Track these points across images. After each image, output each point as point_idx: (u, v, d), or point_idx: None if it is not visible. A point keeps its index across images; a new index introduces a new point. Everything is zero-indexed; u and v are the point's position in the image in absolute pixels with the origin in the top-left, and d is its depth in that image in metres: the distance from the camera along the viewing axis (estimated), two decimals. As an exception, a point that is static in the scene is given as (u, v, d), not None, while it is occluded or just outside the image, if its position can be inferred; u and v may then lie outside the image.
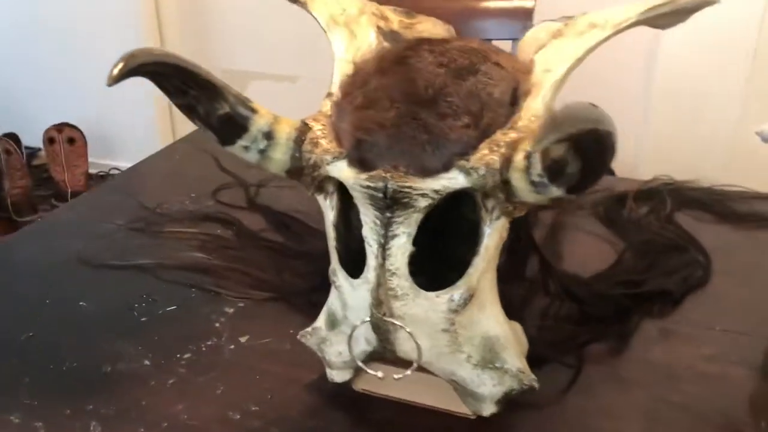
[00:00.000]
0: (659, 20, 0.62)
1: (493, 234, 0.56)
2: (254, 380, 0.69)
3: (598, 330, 0.75)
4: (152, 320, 0.77)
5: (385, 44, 0.67)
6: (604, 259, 0.89)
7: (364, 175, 0.54)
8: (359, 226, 0.59)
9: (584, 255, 0.91)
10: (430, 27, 0.71)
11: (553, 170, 0.47)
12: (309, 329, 0.66)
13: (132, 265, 0.87)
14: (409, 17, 0.72)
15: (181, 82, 0.52)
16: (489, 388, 0.60)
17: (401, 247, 0.54)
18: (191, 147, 1.24)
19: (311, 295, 0.80)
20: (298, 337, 0.67)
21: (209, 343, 0.74)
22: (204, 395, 0.67)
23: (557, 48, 0.61)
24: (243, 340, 0.74)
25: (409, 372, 0.57)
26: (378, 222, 0.54)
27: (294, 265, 0.87)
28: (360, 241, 0.59)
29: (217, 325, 0.77)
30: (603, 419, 0.64)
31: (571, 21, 0.64)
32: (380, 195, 0.53)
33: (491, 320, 0.59)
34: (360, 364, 0.58)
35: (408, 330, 0.55)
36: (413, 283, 0.55)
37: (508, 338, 0.59)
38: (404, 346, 0.57)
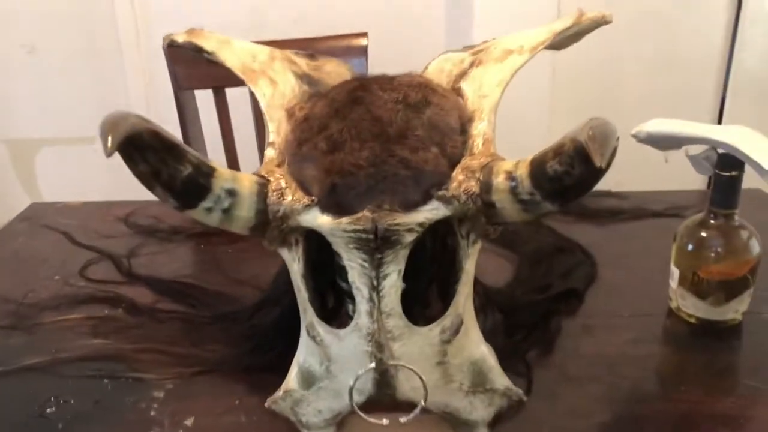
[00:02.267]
0: (564, 42, 0.68)
1: (471, 258, 0.57)
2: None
3: (532, 337, 0.78)
4: (73, 422, 0.68)
5: (305, 87, 0.66)
6: (504, 271, 0.93)
7: (346, 219, 0.52)
8: (330, 272, 0.58)
9: (484, 272, 0.95)
10: (335, 67, 0.71)
11: (549, 187, 0.49)
12: (279, 394, 0.62)
13: (21, 368, 0.75)
14: (313, 59, 0.71)
15: (147, 145, 0.47)
16: (480, 413, 0.60)
17: (393, 286, 0.53)
18: (31, 225, 1.11)
19: (244, 360, 0.75)
20: (267, 404, 0.62)
21: (153, 433, 0.66)
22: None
23: (482, 75, 0.64)
24: (189, 423, 0.67)
25: (417, 411, 0.55)
26: (367, 264, 0.53)
27: (209, 332, 0.81)
28: (325, 289, 0.58)
29: (153, 413, 0.69)
30: (574, 418, 0.67)
31: (482, 50, 0.68)
32: (370, 236, 0.52)
33: (474, 344, 0.60)
34: (362, 414, 0.55)
35: (412, 368, 0.54)
36: (407, 321, 0.55)
37: (491, 358, 0.61)
38: (404, 388, 0.56)
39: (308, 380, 0.60)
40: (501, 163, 0.54)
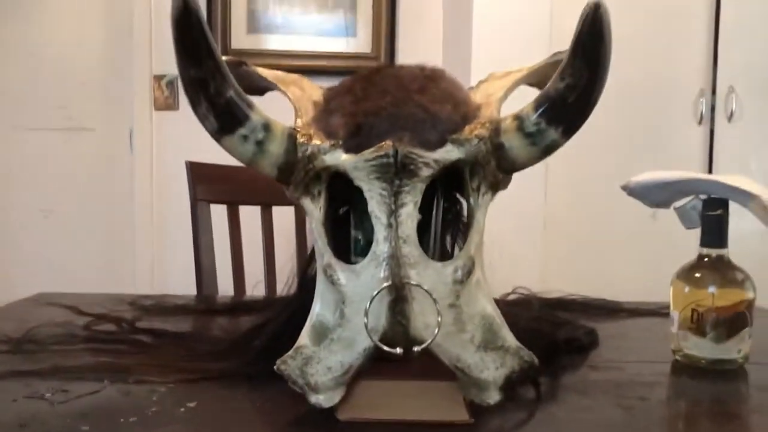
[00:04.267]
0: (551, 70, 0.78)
1: (482, 208, 0.61)
2: (228, 420, 0.61)
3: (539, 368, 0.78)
4: (72, 404, 0.65)
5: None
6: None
7: (369, 150, 0.58)
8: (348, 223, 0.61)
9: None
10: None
11: (553, 109, 0.55)
12: (290, 352, 0.61)
13: (21, 371, 0.74)
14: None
15: (205, 47, 0.54)
16: (492, 372, 0.60)
17: (410, 215, 0.57)
18: (36, 303, 1.12)
19: (247, 369, 0.74)
20: (276, 367, 0.61)
21: (154, 409, 0.64)
22: (172, 443, 0.57)
23: (487, 87, 0.73)
24: (192, 405, 0.65)
25: (428, 342, 0.56)
26: (386, 192, 0.57)
27: (212, 353, 0.80)
28: (345, 240, 0.61)
29: (155, 398, 0.67)
30: (588, 412, 0.66)
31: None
32: (391, 161, 0.56)
33: (486, 299, 0.61)
34: (377, 342, 0.56)
35: (426, 289, 0.55)
36: (422, 252, 0.57)
37: (502, 318, 0.62)
38: (417, 321, 0.57)
39: (321, 334, 0.61)
40: (506, 116, 0.60)
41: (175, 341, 0.88)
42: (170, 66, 2.36)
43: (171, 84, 2.31)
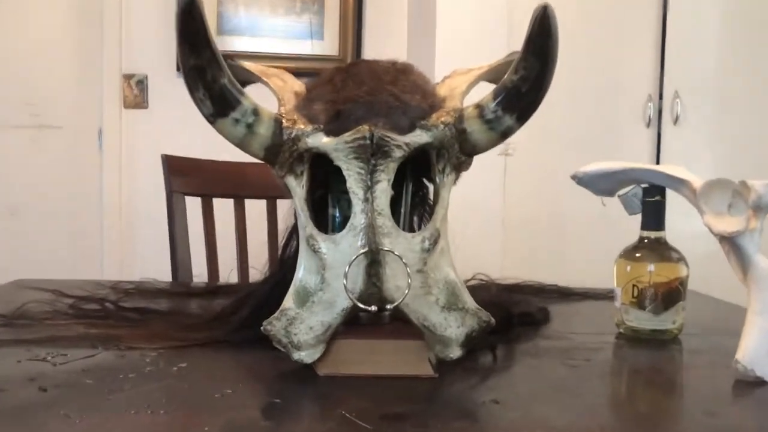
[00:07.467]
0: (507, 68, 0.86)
1: (446, 186, 0.69)
2: (218, 376, 0.68)
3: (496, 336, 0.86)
4: (72, 364, 0.71)
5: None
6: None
7: (348, 133, 0.65)
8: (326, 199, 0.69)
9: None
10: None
11: (508, 98, 0.64)
12: (275, 314, 0.68)
13: (22, 340, 0.79)
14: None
15: (204, 38, 0.61)
16: (454, 330, 0.68)
17: (384, 190, 0.65)
18: (14, 288, 1.17)
19: (233, 336, 0.81)
20: (263, 328, 0.68)
21: (148, 369, 0.70)
22: (176, 386, 0.64)
23: (450, 82, 0.81)
24: (183, 365, 0.72)
25: (399, 301, 0.64)
26: (363, 171, 0.65)
27: (197, 325, 0.87)
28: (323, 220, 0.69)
29: (148, 360, 0.73)
30: (538, 370, 0.75)
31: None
32: (367, 143, 0.64)
33: (449, 267, 0.69)
34: (355, 301, 0.63)
35: (398, 255, 0.63)
36: (394, 223, 0.65)
37: (463, 284, 0.70)
38: (389, 284, 0.64)
39: (303, 297, 0.68)
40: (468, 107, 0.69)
41: (160, 317, 0.94)
42: (140, 65, 2.41)
43: (141, 83, 2.35)
